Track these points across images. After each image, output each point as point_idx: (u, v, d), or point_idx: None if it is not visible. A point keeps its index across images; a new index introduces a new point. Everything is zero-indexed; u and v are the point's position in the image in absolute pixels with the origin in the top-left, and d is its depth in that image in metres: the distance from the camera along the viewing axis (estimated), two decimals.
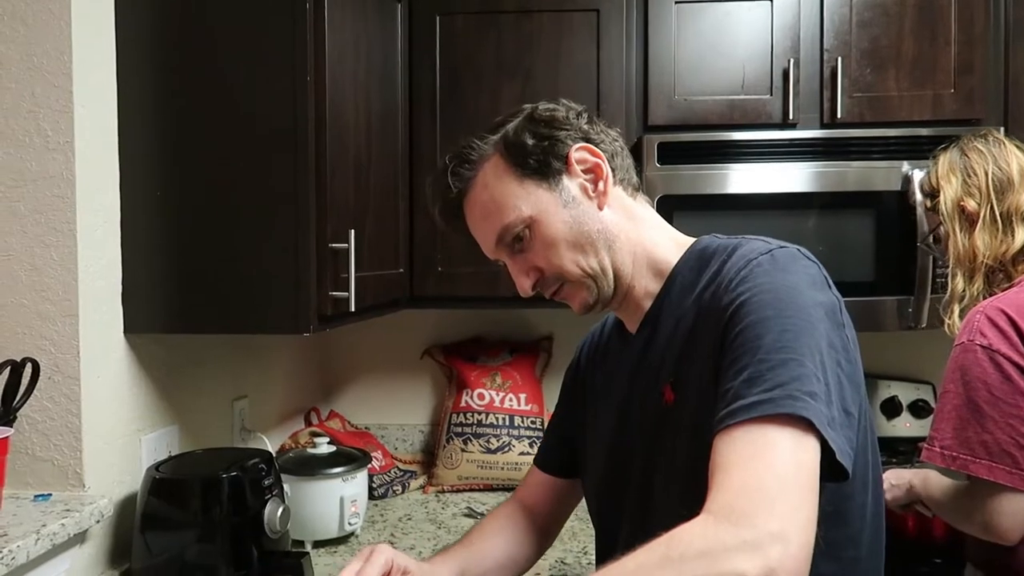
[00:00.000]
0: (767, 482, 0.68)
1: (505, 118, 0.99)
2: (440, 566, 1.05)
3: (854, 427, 0.78)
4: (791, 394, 0.72)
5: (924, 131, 1.76)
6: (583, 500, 1.17)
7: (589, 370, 1.12)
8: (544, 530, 1.21)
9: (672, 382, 0.90)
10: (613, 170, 0.97)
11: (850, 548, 0.86)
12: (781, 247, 0.88)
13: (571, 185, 0.95)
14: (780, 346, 0.75)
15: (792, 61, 1.79)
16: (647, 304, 0.97)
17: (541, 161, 0.94)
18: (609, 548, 1.00)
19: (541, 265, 0.97)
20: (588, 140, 0.96)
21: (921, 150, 1.74)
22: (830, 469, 0.73)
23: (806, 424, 0.71)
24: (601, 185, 0.95)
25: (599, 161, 0.96)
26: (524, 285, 0.98)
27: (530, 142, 0.94)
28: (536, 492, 1.21)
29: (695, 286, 0.91)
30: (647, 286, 0.97)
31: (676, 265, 0.96)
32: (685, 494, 0.78)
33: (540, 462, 1.22)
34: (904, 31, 1.79)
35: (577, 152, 0.95)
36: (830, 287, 0.86)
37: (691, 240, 0.99)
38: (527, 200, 0.94)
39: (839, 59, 1.78)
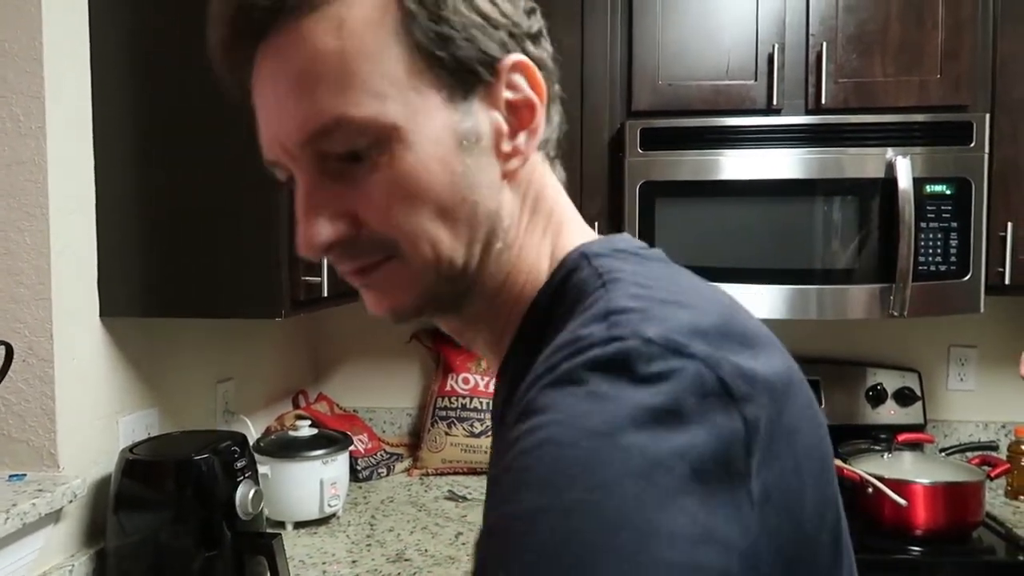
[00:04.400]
0: None
1: None
2: None
3: None
4: None
5: (910, 117, 1.74)
6: None
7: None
8: None
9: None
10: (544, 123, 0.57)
11: None
12: (636, 336, 0.43)
13: (482, 117, 0.54)
14: None
15: (777, 46, 1.77)
16: (506, 340, 0.59)
17: (461, 58, 0.52)
18: None
19: (367, 218, 0.53)
20: (533, 60, 0.55)
21: (906, 137, 1.73)
22: None
23: None
24: (522, 139, 0.55)
25: (536, 102, 0.55)
26: (319, 235, 0.53)
27: (456, 20, 0.51)
28: None
29: (539, 346, 0.50)
30: (510, 314, 0.59)
31: (536, 295, 0.58)
32: None
33: None
34: (891, 15, 1.77)
35: (513, 73, 0.54)
36: (747, 399, 0.42)
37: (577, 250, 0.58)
38: (404, 100, 0.51)
39: (824, 44, 1.76)
